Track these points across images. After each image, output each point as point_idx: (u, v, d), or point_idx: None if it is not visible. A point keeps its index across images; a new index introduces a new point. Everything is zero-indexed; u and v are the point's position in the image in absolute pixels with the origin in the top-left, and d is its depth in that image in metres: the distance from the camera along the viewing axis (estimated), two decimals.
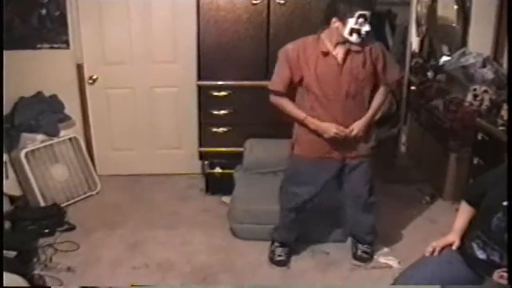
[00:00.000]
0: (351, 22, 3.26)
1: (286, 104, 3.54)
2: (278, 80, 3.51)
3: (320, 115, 3.47)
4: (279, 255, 3.93)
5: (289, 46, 3.48)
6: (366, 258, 3.94)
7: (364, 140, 3.59)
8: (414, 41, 5.63)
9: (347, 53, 3.39)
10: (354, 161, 3.61)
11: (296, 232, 3.96)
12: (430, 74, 5.11)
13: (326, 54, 3.40)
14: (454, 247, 2.73)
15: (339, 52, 3.40)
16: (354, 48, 3.38)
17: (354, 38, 3.30)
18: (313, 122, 3.47)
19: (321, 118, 3.46)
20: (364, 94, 3.50)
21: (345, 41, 3.35)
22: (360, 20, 3.25)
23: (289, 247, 3.97)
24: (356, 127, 3.47)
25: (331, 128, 3.44)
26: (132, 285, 3.56)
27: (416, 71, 5.46)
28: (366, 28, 3.28)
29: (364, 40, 3.33)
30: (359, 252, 3.95)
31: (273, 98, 3.57)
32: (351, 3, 3.26)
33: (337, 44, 3.38)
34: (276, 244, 3.98)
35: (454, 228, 2.81)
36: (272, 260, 3.93)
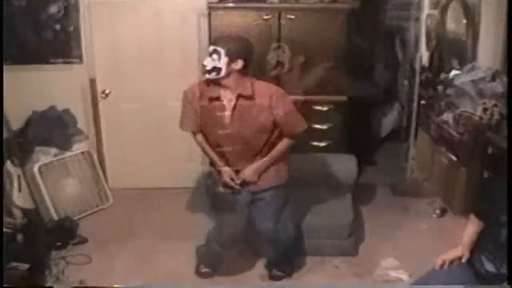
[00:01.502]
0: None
1: (201, 142, 3.53)
2: (185, 120, 3.51)
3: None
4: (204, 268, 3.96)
5: (189, 88, 3.46)
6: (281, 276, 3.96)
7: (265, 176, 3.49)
8: (424, 56, 5.64)
9: (237, 100, 3.29)
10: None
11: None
12: (440, 88, 5.11)
13: (214, 99, 3.32)
14: (463, 260, 2.74)
15: (228, 97, 3.31)
16: (244, 93, 3.26)
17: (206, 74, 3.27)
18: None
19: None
20: (261, 141, 3.38)
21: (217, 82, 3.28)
22: (213, 55, 3.21)
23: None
24: (247, 172, 3.39)
25: (225, 174, 3.41)
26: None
27: (426, 85, 5.47)
28: (207, 62, 3.22)
29: (219, 76, 3.22)
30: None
31: (194, 138, 3.57)
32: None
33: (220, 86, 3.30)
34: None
35: (463, 241, 2.82)
36: (197, 272, 3.97)
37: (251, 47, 3.36)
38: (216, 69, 3.19)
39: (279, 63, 3.12)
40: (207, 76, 3.25)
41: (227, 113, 3.30)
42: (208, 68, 3.21)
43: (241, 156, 3.39)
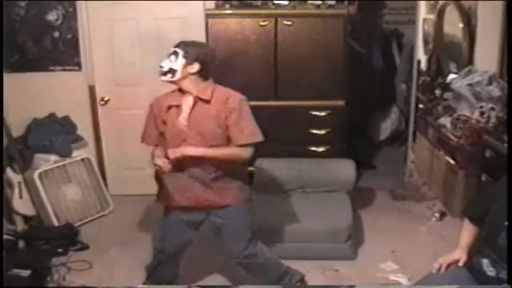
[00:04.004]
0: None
1: (158, 155, 3.34)
2: (145, 135, 3.48)
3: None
4: None
5: (155, 101, 3.42)
6: None
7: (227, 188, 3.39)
8: (421, 59, 5.67)
9: (195, 103, 3.25)
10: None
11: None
12: (437, 92, 5.13)
13: (174, 106, 3.29)
14: (460, 264, 2.75)
15: (188, 102, 3.28)
16: (202, 96, 3.23)
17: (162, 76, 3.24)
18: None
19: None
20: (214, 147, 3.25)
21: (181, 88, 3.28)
22: (171, 57, 3.21)
23: None
24: (184, 149, 3.19)
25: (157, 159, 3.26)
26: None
27: (423, 89, 5.49)
28: (164, 63, 3.21)
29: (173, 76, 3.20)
30: None
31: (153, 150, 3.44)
32: None
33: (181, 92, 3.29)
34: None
35: (460, 244, 2.83)
36: None
37: (212, 53, 3.38)
38: (172, 71, 3.19)
39: (171, 70, 3.14)
40: (162, 78, 3.24)
41: (184, 115, 3.26)
42: (165, 69, 3.20)
43: (194, 162, 3.27)
